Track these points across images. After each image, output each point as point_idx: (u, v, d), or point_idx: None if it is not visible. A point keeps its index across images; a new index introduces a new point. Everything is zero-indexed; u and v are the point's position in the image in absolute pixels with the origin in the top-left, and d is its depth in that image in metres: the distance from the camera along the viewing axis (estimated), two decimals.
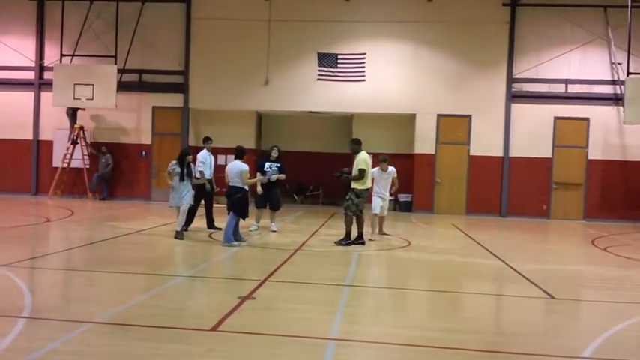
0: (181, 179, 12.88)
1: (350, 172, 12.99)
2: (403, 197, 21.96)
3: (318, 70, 21.81)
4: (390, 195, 14.85)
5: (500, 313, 8.21)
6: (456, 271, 10.77)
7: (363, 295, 8.51)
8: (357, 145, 12.95)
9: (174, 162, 13.12)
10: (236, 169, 12.19)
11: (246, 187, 12.31)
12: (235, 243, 12.06)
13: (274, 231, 14.53)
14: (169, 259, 11.31)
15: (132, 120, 22.99)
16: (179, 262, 11.18)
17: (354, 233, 13.06)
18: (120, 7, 22.05)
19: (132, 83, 22.52)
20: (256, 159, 20.21)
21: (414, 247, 13.17)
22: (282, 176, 14.56)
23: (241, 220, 12.36)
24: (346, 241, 12.77)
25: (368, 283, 9.67)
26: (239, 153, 12.60)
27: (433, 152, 22.01)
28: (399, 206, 21.94)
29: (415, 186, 22.01)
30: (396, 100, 21.88)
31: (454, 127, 21.94)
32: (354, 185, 12.71)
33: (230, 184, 12.28)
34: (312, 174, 23.75)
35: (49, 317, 6.55)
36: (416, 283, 9.96)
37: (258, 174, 14.35)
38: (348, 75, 21.76)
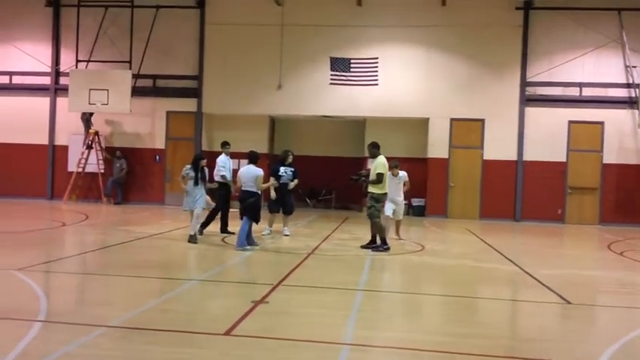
0: (195, 183, 12.91)
1: (367, 176, 12.91)
2: (416, 201, 21.86)
3: (331, 75, 21.81)
4: (404, 197, 14.77)
5: (515, 319, 8.12)
6: (470, 276, 10.68)
7: (377, 300, 8.47)
8: (375, 149, 12.80)
9: (188, 166, 13.16)
10: (251, 173, 12.17)
11: (260, 192, 12.30)
12: (248, 247, 12.04)
13: (287, 235, 14.50)
14: (183, 263, 11.33)
15: (146, 125, 23.07)
16: (193, 266, 11.19)
17: (370, 236, 13.05)
18: (134, 13, 22.17)
19: (146, 88, 22.61)
20: (269, 163, 20.22)
21: (428, 252, 13.09)
22: (296, 181, 14.59)
23: (254, 224, 12.35)
24: (383, 246, 12.65)
25: (381, 287, 9.63)
26: (253, 158, 12.57)
27: (446, 156, 21.91)
28: (412, 210, 21.82)
29: (428, 190, 21.91)
30: (409, 104, 21.81)
31: (467, 131, 21.83)
32: (372, 189, 12.57)
33: (243, 189, 12.26)
34: (324, 178, 23.72)
35: (63, 321, 6.56)
36: (430, 288, 9.85)
37: (272, 178, 14.34)
38: (361, 79, 21.73)
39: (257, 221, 12.34)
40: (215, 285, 9.15)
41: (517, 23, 21.50)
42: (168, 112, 22.97)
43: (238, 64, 22.36)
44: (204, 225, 13.88)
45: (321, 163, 23.65)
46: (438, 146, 21.91)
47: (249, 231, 12.18)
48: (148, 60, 22.22)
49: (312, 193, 23.99)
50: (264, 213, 13.22)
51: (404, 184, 14.41)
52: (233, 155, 14.95)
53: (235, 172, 13.48)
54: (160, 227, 15.57)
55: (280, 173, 14.44)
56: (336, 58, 21.76)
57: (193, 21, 22.76)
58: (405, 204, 15.03)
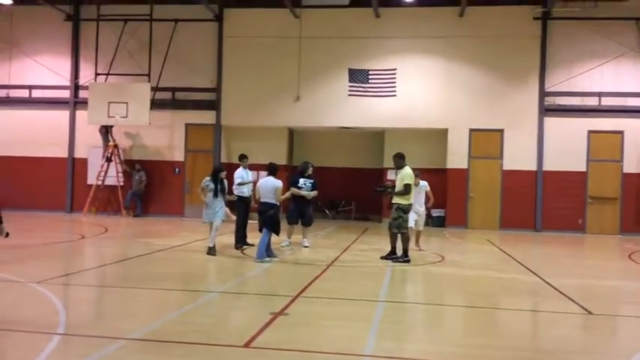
0: (215, 195, 12.87)
1: (393, 187, 12.88)
2: (436, 212, 21.69)
3: (349, 86, 21.82)
4: (425, 209, 14.68)
5: (537, 330, 8.02)
6: (491, 287, 10.61)
7: (398, 311, 8.40)
8: (401, 160, 12.74)
9: (207, 178, 13.14)
10: (270, 185, 12.23)
11: (278, 203, 12.32)
12: (267, 259, 12.03)
13: (306, 246, 14.48)
14: (202, 275, 11.33)
15: (165, 137, 23.19)
16: (212, 278, 11.20)
17: (390, 247, 13.01)
18: (153, 27, 22.32)
19: (165, 101, 22.76)
20: (288, 175, 20.24)
21: (448, 263, 13.02)
22: (315, 193, 14.60)
23: (274, 235, 12.36)
24: (404, 257, 12.55)
25: (403, 299, 9.56)
26: (272, 169, 12.63)
27: (466, 167, 21.78)
28: (432, 221, 21.56)
29: (448, 201, 21.78)
30: (427, 115, 21.73)
31: (486, 141, 21.71)
32: (398, 200, 12.50)
33: (262, 200, 12.29)
34: (344, 189, 23.67)
35: (82, 334, 6.56)
36: (451, 299, 9.80)
37: (293, 188, 14.38)
38: (379, 90, 21.72)
39: (277, 233, 12.36)
40: (234, 297, 9.13)
41: (535, 33, 21.39)
42: (187, 125, 23.10)
43: (256, 76, 22.43)
44: (239, 240, 13.90)
45: (340, 174, 23.61)
46: (457, 157, 21.81)
47: (268, 243, 12.18)
48: (167, 73, 22.37)
49: (331, 204, 23.94)
50: (283, 224, 13.21)
51: (428, 198, 14.39)
52: (252, 167, 14.96)
53: (254, 184, 13.50)
54: (180, 239, 15.59)
55: (300, 185, 14.44)
56: (355, 70, 21.79)
57: (212, 34, 22.90)
58: (425, 214, 15.02)
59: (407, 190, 12.39)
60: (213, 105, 22.88)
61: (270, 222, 12.09)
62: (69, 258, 12.90)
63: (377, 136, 23.39)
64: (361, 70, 21.80)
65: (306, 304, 8.37)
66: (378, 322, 7.55)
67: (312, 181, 14.60)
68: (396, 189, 12.60)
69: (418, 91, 21.78)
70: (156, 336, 6.57)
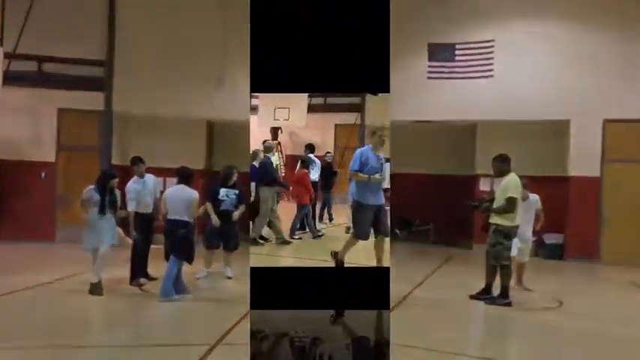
0: (101, 211, 12.87)
1: (491, 201, 13.09)
2: (551, 238, 21.06)
3: (429, 66, 21.90)
4: (533, 234, 14.67)
5: None
6: (637, 352, 10.52)
7: None
8: (504, 164, 12.97)
9: (91, 187, 13.14)
10: (182, 197, 12.47)
11: (192, 221, 12.47)
12: (176, 296, 12.22)
13: (230, 277, 14.74)
14: (83, 323, 11.34)
15: (26, 127, 22.66)
16: (96, 326, 11.32)
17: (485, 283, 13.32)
18: None
19: (27, 74, 22.18)
20: (205, 183, 20.20)
21: (569, 311, 12.94)
22: (243, 208, 14.89)
23: (185, 264, 12.52)
24: (503, 299, 12.73)
25: (500, 356, 9.75)
26: (184, 176, 12.83)
27: (598, 174, 21.05)
28: (543, 251, 20.92)
29: (570, 222, 21.13)
30: (539, 102, 20.99)
31: (631, 137, 20.85)
32: (497, 220, 12.71)
33: (169, 217, 12.47)
34: (420, 203, 23.57)
35: None
36: None
37: (208, 204, 14.54)
38: (470, 70, 21.73)
39: (190, 261, 12.57)
40: (128, 351, 9.25)
41: None
42: (60, 110, 22.77)
43: (165, 46, 22.11)
44: (137, 272, 13.75)
45: (414, 183, 23.55)
46: (584, 160, 21.08)
47: (178, 274, 12.35)
48: (30, 35, 21.76)
49: (403, 222, 23.97)
50: (199, 249, 13.44)
51: (537, 219, 14.55)
52: (158, 173, 14.95)
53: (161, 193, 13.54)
54: (49, 274, 15.23)
55: (220, 197, 14.64)
56: (437, 45, 21.84)
57: None
58: (534, 241, 15.03)
59: (511, 205, 12.52)
60: (101, 84, 22.60)
61: (180, 246, 12.28)
62: None
63: (466, 132, 23.13)
64: (445, 44, 21.87)
65: (229, 356, 8.50)
66: None
67: (236, 191, 14.81)
68: (495, 204, 12.82)
69: (526, 69, 21.31)
70: None
